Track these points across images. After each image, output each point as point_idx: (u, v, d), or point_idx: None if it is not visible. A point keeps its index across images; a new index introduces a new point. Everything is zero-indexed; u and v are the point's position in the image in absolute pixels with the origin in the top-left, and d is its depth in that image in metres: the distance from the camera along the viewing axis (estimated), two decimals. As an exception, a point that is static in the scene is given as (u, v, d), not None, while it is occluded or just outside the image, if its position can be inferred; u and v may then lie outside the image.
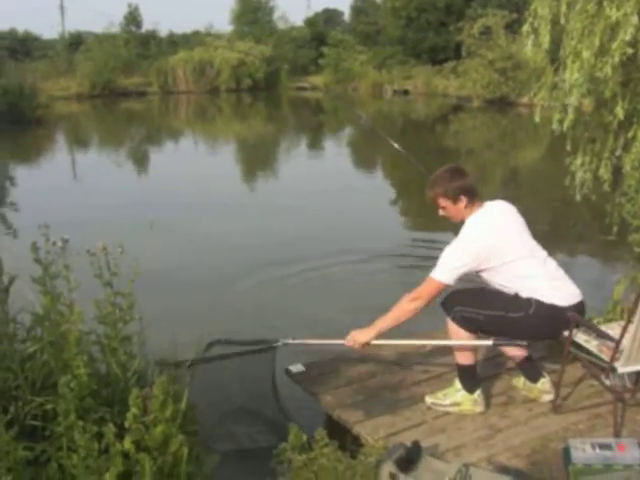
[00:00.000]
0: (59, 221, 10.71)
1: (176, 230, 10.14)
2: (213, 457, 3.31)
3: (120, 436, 2.90)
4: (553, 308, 3.91)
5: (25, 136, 23.72)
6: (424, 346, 5.17)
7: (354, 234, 9.95)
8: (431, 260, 7.25)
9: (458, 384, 4.22)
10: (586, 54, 4.89)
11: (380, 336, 4.10)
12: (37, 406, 3.13)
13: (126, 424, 2.87)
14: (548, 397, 4.24)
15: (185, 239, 9.59)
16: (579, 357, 4.11)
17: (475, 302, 4.04)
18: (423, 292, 3.95)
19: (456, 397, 4.22)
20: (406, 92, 39.79)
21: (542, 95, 5.61)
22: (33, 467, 2.83)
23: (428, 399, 4.33)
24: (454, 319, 4.08)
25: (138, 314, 3.58)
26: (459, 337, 4.10)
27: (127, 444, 2.84)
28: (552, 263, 4.09)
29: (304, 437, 3.63)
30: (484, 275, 4.06)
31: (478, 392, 4.17)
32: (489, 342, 4.00)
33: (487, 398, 4.28)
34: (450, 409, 4.22)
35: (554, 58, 5.67)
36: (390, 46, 43.08)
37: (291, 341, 4.30)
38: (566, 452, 3.42)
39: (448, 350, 4.95)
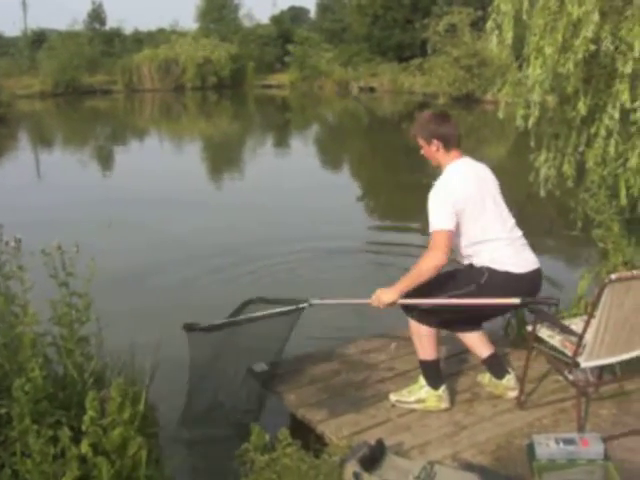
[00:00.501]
0: (21, 220, 10.60)
1: (139, 228, 10.03)
2: (173, 459, 3.25)
3: (78, 440, 2.83)
4: (507, 275, 3.90)
5: (-14, 135, 23.36)
6: (389, 343, 5.16)
7: (318, 231, 9.92)
8: (395, 256, 7.22)
9: (422, 380, 4.20)
10: (549, 50, 4.90)
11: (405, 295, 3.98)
12: (-11, 410, 3.03)
13: (83, 427, 2.80)
14: (513, 393, 4.23)
15: (148, 237, 9.50)
16: (543, 352, 4.11)
17: (426, 292, 4.01)
18: (435, 248, 3.84)
19: (420, 394, 4.20)
20: (372, 89, 39.82)
21: (506, 91, 5.61)
22: (-15, 473, 2.75)
23: (392, 397, 4.31)
24: (412, 317, 4.10)
25: (95, 315, 3.50)
26: (420, 334, 4.10)
27: (84, 447, 2.77)
28: (517, 232, 4.09)
29: (267, 437, 3.59)
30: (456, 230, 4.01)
31: (443, 388, 4.16)
32: (517, 300, 3.86)
33: (452, 395, 4.26)
34: (415, 406, 4.20)
35: (518, 55, 5.68)
36: (356, 44, 43.13)
37: (318, 301, 4.26)
38: (530, 448, 3.40)
39: (413, 348, 4.94)
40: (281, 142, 23.80)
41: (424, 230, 4.10)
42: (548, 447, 3.30)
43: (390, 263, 7.91)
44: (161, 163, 17.63)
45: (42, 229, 9.61)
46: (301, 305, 4.19)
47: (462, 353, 4.91)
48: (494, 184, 4.16)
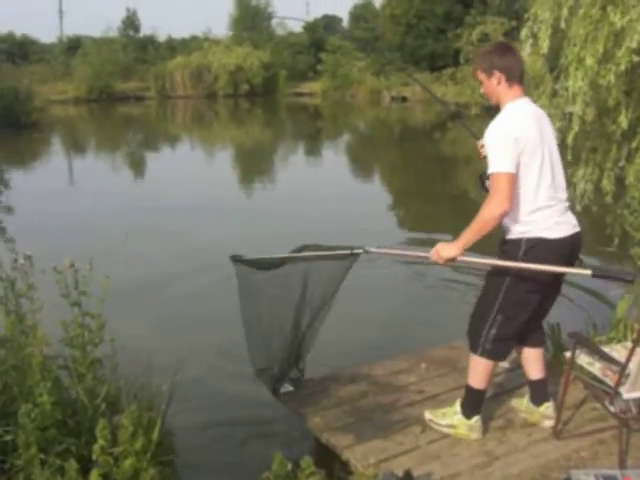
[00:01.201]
0: (54, 225, 10.59)
1: (168, 236, 9.95)
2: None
3: (88, 468, 2.69)
4: (546, 242, 3.61)
5: (20, 140, 23.51)
6: (418, 364, 4.97)
7: (349, 238, 9.73)
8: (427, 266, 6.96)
9: (458, 406, 4.01)
10: (589, 61, 4.71)
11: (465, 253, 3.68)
12: (-4, 437, 2.90)
13: (94, 456, 2.65)
14: (549, 423, 4.01)
15: (176, 246, 9.35)
16: (581, 379, 3.90)
17: (483, 312, 3.81)
18: (498, 193, 3.49)
19: (453, 419, 4.01)
20: (404, 99, 39.60)
21: (542, 103, 5.42)
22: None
23: (427, 414, 4.14)
24: (483, 355, 3.83)
25: (109, 335, 3.36)
26: (479, 362, 3.86)
27: (94, 477, 2.62)
28: (564, 193, 3.77)
29: (289, 465, 3.42)
30: None
31: (476, 419, 3.94)
32: (588, 272, 3.51)
33: (485, 421, 4.05)
34: (445, 430, 4.02)
35: (552, 66, 5.50)
36: (389, 53, 43.00)
37: (374, 249, 3.95)
38: (568, 484, 3.21)
39: (445, 369, 4.77)
40: (313, 150, 23.70)
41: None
42: (588, 484, 3.11)
43: (423, 273, 7.69)
44: (192, 170, 17.59)
45: (72, 235, 9.66)
46: (356, 251, 3.93)
47: (497, 375, 4.71)
48: (553, 134, 3.83)
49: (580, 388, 4.23)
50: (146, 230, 10.03)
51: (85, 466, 2.70)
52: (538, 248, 3.61)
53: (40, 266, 3.42)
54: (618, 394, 3.47)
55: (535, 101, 5.57)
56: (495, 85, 3.73)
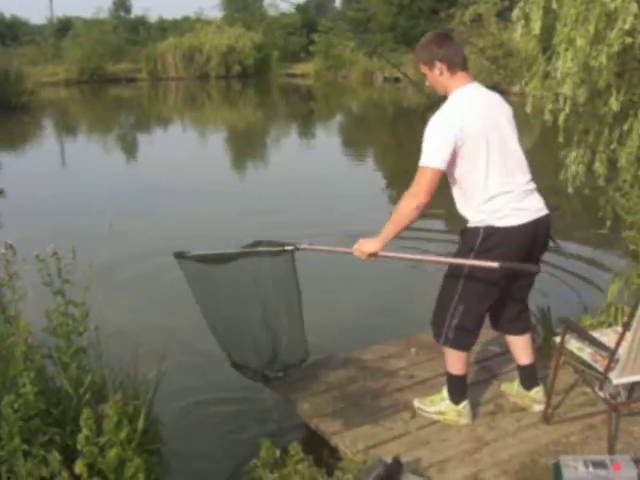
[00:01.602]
0: (44, 208, 10.53)
1: (158, 219, 9.86)
2: (176, 477, 3.07)
3: (73, 458, 2.66)
4: (505, 230, 3.54)
5: (11, 122, 23.37)
6: (409, 349, 4.95)
7: (340, 219, 9.71)
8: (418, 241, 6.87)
9: (445, 392, 3.99)
10: (580, 42, 4.64)
11: (387, 248, 3.68)
12: (-22, 428, 2.86)
13: (78, 446, 2.62)
14: (539, 407, 4.00)
15: (166, 228, 9.22)
16: (571, 364, 3.88)
17: (444, 302, 3.79)
18: (420, 186, 3.47)
19: (441, 406, 3.99)
20: (397, 80, 39.38)
21: (534, 85, 5.37)
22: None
23: (416, 402, 4.13)
24: (447, 344, 3.84)
25: (94, 324, 3.31)
26: (456, 361, 3.86)
27: (79, 468, 2.60)
28: (526, 177, 3.67)
29: (277, 452, 3.41)
30: (450, 169, 3.60)
31: (464, 404, 3.92)
32: (495, 264, 3.47)
33: (474, 406, 4.04)
34: (434, 417, 4.00)
35: (546, 47, 5.43)
36: (381, 33, 42.74)
37: (306, 246, 3.95)
38: (557, 470, 3.20)
39: (434, 353, 4.74)
40: (305, 132, 23.59)
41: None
42: (576, 470, 3.10)
43: (412, 247, 7.61)
44: (184, 152, 17.48)
45: (62, 218, 9.62)
46: (287, 247, 3.89)
47: (485, 360, 4.71)
48: (506, 117, 3.70)
49: (570, 373, 4.22)
50: (135, 212, 10.01)
51: (70, 456, 2.68)
52: (495, 237, 3.57)
53: (29, 250, 3.37)
54: (607, 379, 3.45)
55: (527, 83, 5.54)
56: (438, 76, 3.68)
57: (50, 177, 13.75)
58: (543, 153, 13.88)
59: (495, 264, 3.46)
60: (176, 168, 14.33)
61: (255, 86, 39.33)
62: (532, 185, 3.70)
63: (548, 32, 5.14)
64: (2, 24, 52.89)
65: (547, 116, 5.11)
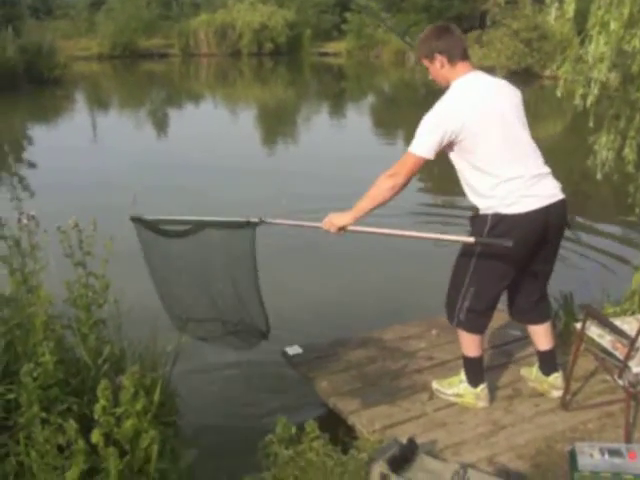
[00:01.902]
0: (73, 182, 10.61)
1: (187, 194, 9.82)
2: (191, 452, 3.10)
3: (91, 427, 2.69)
4: (514, 218, 3.51)
5: (43, 96, 23.50)
6: (430, 330, 4.95)
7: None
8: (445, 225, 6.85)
9: (463, 375, 3.99)
10: (614, 25, 4.57)
11: (359, 223, 3.67)
12: (-1, 395, 2.91)
13: (95, 416, 2.66)
14: (557, 393, 3.98)
15: (193, 203, 9.17)
16: (591, 351, 3.85)
17: (456, 284, 3.79)
18: (401, 168, 3.51)
19: (459, 388, 3.99)
20: (430, 60, 39.12)
21: (565, 68, 5.30)
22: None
23: (434, 384, 4.13)
24: (459, 326, 3.84)
25: (114, 297, 3.35)
26: (470, 343, 3.86)
27: (95, 437, 2.63)
28: (535, 163, 3.63)
29: (293, 429, 3.43)
30: (454, 157, 3.65)
31: (482, 387, 3.92)
32: (471, 239, 3.52)
33: (492, 390, 4.03)
34: (452, 399, 4.01)
35: (581, 30, 5.35)
36: (415, 13, 42.35)
37: (270, 220, 3.79)
38: (572, 456, 3.18)
39: (455, 336, 4.70)
40: (336, 111, 23.49)
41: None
42: (592, 458, 3.08)
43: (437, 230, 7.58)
44: (215, 129, 17.49)
45: (90, 192, 9.69)
46: (252, 220, 3.75)
47: (506, 345, 4.70)
48: (511, 103, 3.65)
49: (590, 360, 4.19)
50: (164, 188, 10.02)
51: (87, 425, 2.71)
52: (503, 224, 3.54)
53: (54, 223, 3.41)
54: (627, 367, 3.42)
55: (559, 66, 5.46)
56: (439, 68, 3.66)
57: (81, 151, 13.80)
58: (574, 138, 13.73)
59: (471, 239, 3.52)
60: (206, 144, 14.33)
61: (287, 64, 39.21)
62: (545, 170, 3.65)
63: (583, 15, 5.06)
64: (37, -2, 53.11)
65: (577, 100, 5.05)
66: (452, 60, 3.61)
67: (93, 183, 10.52)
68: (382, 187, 3.55)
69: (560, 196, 3.64)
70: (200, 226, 3.84)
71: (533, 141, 3.68)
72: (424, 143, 3.49)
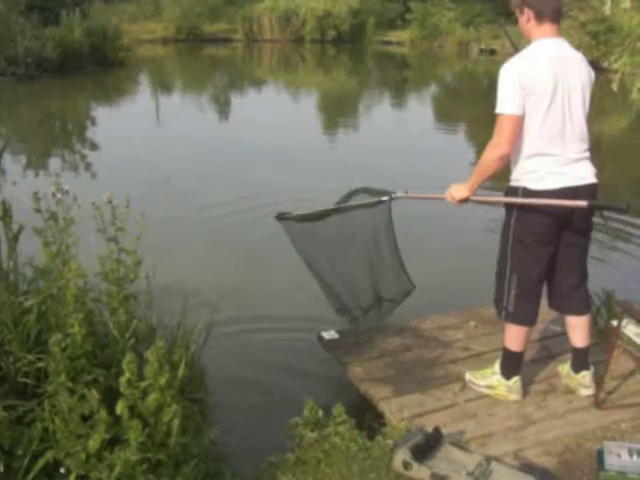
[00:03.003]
0: (130, 164, 10.76)
1: (243, 180, 9.86)
2: (214, 428, 3.14)
3: (116, 399, 2.75)
4: (537, 194, 3.52)
5: (107, 78, 23.88)
6: (468, 321, 4.91)
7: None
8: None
9: (497, 367, 3.95)
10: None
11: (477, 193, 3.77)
12: (29, 363, 2.99)
13: (121, 388, 2.72)
14: (586, 392, 3.91)
15: (248, 190, 9.22)
16: (628, 349, 3.78)
17: (500, 276, 3.79)
18: (499, 136, 3.49)
19: (492, 380, 3.96)
20: (493, 52, 38.54)
21: (623, 61, 5.19)
22: (19, 426, 2.70)
23: (467, 375, 4.11)
24: (507, 319, 3.81)
25: (146, 272, 3.40)
26: (516, 336, 3.83)
27: (120, 409, 2.69)
28: (581, 145, 3.60)
29: (319, 412, 3.45)
30: None
31: (515, 379, 3.88)
32: (584, 203, 3.48)
33: (526, 384, 3.99)
34: (484, 390, 3.98)
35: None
36: (480, 3, 41.81)
37: (400, 194, 3.99)
38: (600, 455, 3.15)
39: (493, 328, 4.68)
40: (398, 101, 23.34)
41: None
42: (620, 458, 3.05)
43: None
44: (276, 115, 17.47)
45: (147, 174, 9.80)
46: (383, 198, 3.99)
47: (545, 339, 4.63)
48: (583, 82, 3.58)
49: (629, 358, 4.11)
50: (218, 174, 10.09)
51: (114, 397, 2.77)
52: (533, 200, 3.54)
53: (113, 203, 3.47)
54: (663, 367, 3.36)
55: (617, 59, 5.34)
56: (525, 22, 3.58)
57: (143, 133, 13.91)
58: (637, 134, 13.39)
59: (584, 203, 3.48)
60: (266, 131, 14.31)
61: (349, 52, 39.08)
62: (584, 154, 3.62)
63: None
64: (106, -20, 53.91)
65: (635, 94, 4.93)
66: (539, 18, 3.53)
67: (149, 167, 10.59)
68: (488, 159, 3.55)
69: (591, 179, 3.60)
70: (339, 211, 4.13)
71: (586, 126, 3.64)
72: (509, 100, 3.47)
